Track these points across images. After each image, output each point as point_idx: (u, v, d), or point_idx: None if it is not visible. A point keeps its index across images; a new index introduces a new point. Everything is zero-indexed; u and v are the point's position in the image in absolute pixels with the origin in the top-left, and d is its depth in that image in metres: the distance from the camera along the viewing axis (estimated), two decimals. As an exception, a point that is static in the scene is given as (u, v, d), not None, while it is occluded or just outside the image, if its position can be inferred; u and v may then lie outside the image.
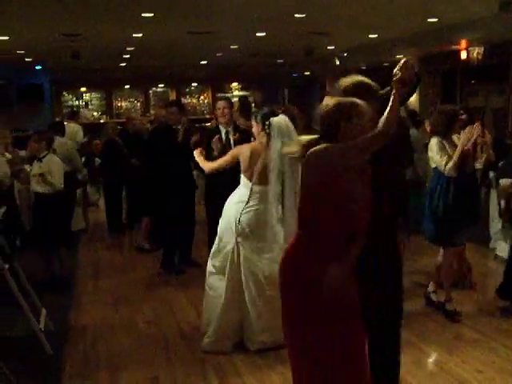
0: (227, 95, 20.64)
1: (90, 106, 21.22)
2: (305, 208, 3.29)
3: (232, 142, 6.69)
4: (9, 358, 4.60)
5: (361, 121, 3.25)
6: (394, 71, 3.24)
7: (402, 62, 3.25)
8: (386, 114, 3.18)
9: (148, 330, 5.65)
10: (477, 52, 13.91)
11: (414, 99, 17.50)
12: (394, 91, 3.22)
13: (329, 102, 3.35)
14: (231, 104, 7.03)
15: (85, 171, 10.41)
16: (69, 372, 4.74)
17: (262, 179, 4.88)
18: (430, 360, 4.90)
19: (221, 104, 6.88)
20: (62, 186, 6.90)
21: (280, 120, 4.85)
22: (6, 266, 4.97)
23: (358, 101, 3.31)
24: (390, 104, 3.21)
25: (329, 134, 3.27)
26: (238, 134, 6.73)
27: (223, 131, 6.80)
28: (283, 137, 4.70)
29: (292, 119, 7.97)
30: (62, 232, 7.18)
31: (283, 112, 6.17)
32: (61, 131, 9.42)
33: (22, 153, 9.60)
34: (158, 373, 4.65)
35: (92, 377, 4.66)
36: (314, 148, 3.22)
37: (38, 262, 7.12)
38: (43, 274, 6.99)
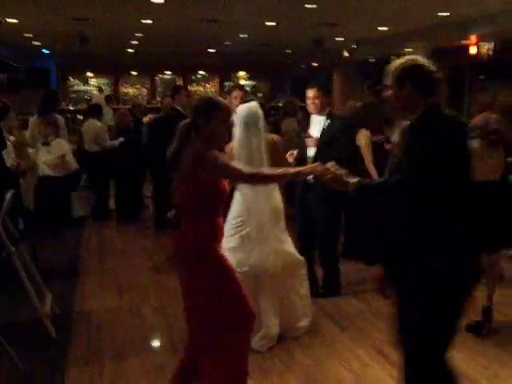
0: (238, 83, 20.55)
1: (94, 92, 21.02)
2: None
3: None
4: (13, 342, 4.59)
5: (220, 120, 3.36)
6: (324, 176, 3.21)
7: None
8: (287, 171, 3.48)
9: (153, 317, 5.64)
10: (487, 48, 13.84)
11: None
12: (314, 171, 3.34)
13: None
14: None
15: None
16: (73, 357, 4.73)
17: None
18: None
19: (238, 93, 6.74)
20: (78, 167, 6.91)
21: (243, 107, 4.77)
22: (13, 250, 4.95)
23: (220, 100, 3.44)
24: (296, 170, 3.58)
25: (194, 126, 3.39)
26: None
27: None
28: (248, 124, 4.61)
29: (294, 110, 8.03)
30: (67, 215, 7.18)
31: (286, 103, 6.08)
32: (98, 114, 10.05)
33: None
34: (163, 361, 4.63)
35: (96, 362, 4.64)
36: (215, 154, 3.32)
37: (42, 247, 7.12)
38: (48, 258, 6.99)
